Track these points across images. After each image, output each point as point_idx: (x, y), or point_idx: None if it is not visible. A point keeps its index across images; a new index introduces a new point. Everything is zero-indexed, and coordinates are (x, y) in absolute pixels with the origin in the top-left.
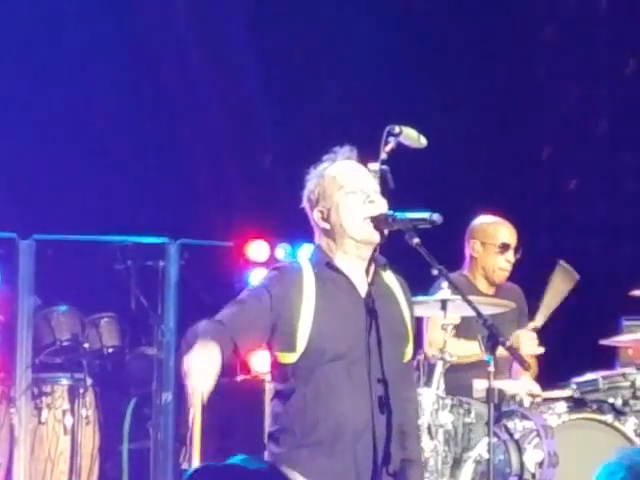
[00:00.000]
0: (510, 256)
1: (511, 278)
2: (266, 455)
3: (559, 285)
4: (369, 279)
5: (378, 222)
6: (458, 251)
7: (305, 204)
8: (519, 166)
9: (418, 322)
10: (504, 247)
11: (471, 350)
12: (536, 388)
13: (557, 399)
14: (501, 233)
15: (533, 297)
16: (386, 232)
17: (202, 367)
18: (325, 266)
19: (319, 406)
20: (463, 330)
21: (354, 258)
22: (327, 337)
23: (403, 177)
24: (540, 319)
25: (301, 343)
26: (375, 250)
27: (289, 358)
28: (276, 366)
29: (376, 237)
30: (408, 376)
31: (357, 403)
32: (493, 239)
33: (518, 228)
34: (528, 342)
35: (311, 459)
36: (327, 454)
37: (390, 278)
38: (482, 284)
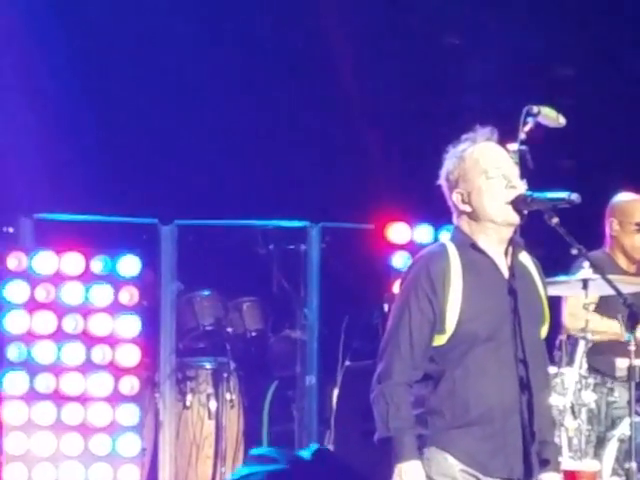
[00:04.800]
0: None
1: None
2: None
3: None
4: (509, 260)
5: (517, 203)
6: (600, 229)
7: (442, 182)
8: None
9: (557, 302)
10: None
11: (609, 326)
12: None
13: None
14: (638, 211)
15: None
16: (525, 212)
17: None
18: (469, 247)
19: (469, 388)
20: (603, 308)
21: (495, 240)
22: (476, 318)
23: (543, 156)
24: None
25: (450, 324)
26: (515, 231)
27: (439, 340)
28: None
29: (516, 218)
30: (544, 355)
31: (505, 384)
32: (630, 217)
33: None
34: None
35: (462, 441)
36: (478, 436)
37: (526, 258)
38: (623, 262)
